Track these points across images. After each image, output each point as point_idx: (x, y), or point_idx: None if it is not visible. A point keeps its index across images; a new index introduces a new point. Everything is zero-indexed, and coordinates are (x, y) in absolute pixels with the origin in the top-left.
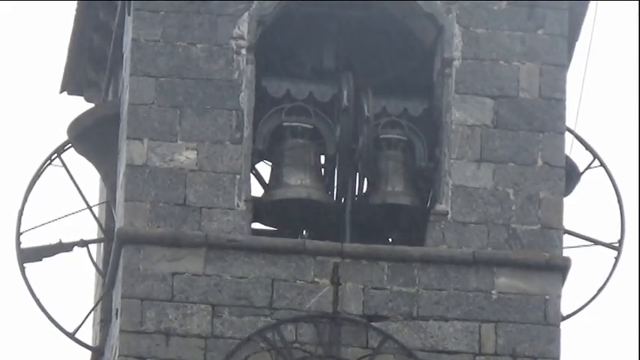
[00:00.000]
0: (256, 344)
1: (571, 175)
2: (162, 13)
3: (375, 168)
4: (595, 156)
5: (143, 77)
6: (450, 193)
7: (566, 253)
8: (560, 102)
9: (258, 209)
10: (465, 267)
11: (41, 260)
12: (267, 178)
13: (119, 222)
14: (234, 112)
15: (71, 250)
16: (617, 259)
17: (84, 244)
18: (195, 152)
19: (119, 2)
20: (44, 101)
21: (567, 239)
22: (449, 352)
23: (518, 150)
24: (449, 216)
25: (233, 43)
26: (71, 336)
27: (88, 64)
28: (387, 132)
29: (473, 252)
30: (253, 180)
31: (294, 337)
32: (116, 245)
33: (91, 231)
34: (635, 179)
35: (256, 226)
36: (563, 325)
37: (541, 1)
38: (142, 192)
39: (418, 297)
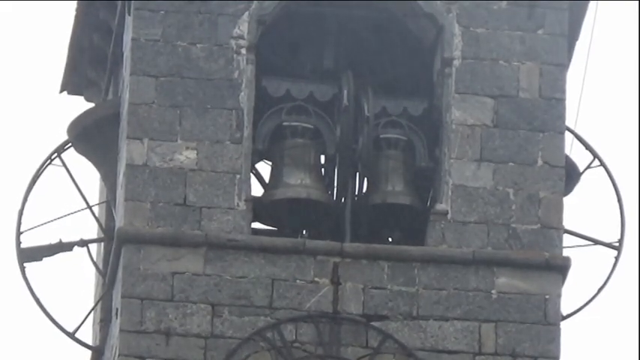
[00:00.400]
0: (256, 344)
1: (571, 175)
2: (163, 12)
3: (375, 168)
4: (595, 156)
5: (143, 77)
6: (449, 193)
7: (566, 252)
8: (560, 102)
9: (258, 209)
10: (464, 267)
11: (41, 260)
12: (267, 178)
13: (119, 222)
14: (234, 111)
15: (71, 249)
16: (617, 258)
17: (84, 243)
18: (195, 152)
19: (119, 2)
20: (44, 101)
21: (567, 239)
22: (449, 352)
23: (518, 150)
24: (449, 216)
25: (233, 42)
26: (71, 336)
27: (88, 64)
28: (387, 132)
29: (473, 252)
30: (253, 180)
31: (294, 337)
32: (116, 245)
33: (91, 231)
34: (635, 179)
35: (256, 225)
36: (563, 324)
37: (541, 1)
38: (141, 192)
39: (418, 297)
